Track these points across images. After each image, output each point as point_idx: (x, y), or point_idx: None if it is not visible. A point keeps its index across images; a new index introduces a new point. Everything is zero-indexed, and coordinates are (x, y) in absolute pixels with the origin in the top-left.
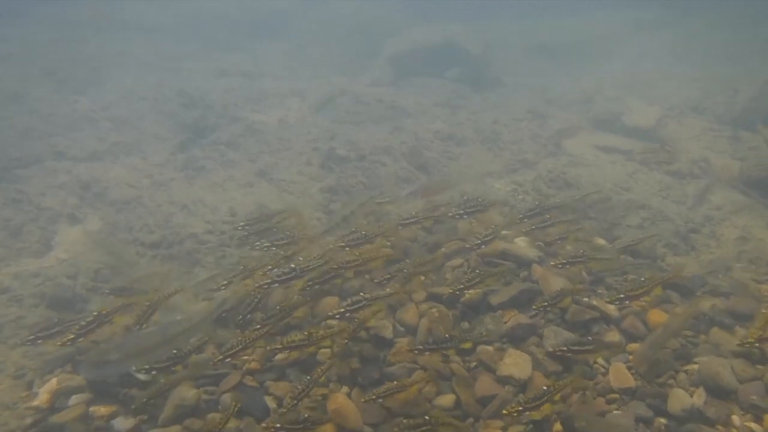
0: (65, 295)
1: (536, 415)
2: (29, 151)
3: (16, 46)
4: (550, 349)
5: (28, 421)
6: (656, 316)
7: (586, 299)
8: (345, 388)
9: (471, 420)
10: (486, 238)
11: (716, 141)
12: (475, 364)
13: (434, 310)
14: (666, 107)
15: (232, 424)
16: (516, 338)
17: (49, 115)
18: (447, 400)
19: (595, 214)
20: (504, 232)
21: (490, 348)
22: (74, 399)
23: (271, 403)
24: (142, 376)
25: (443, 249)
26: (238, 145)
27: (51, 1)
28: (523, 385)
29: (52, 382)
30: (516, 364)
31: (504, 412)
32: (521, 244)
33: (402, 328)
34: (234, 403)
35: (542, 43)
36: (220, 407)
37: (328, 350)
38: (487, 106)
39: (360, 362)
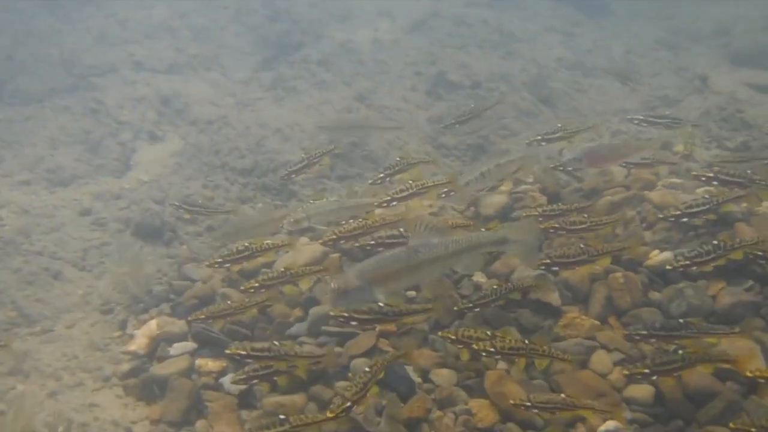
0: (153, 223)
1: None
2: (105, 59)
3: None
4: None
5: (125, 367)
6: None
7: None
8: (502, 364)
9: (680, 422)
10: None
11: None
12: (674, 347)
13: (619, 274)
14: None
15: (373, 399)
16: (732, 320)
17: (125, 20)
18: (643, 392)
19: None
20: (674, 179)
21: None
22: (177, 348)
23: (415, 377)
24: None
25: (607, 196)
26: (330, 65)
27: None
28: (752, 384)
29: (151, 326)
30: (740, 350)
31: (732, 426)
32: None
33: (568, 294)
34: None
35: None
36: (350, 374)
37: (473, 313)
38: (606, 35)
39: (520, 332)
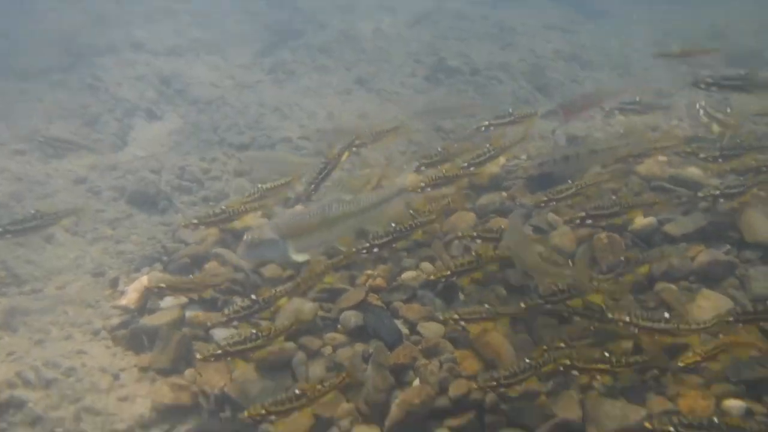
0: (149, 191)
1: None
2: (104, 40)
3: None
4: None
5: (115, 321)
6: None
7: None
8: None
9: (655, 372)
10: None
11: None
12: (653, 304)
13: (603, 235)
14: None
15: (359, 347)
16: (709, 278)
17: (123, 1)
18: (625, 346)
19: None
20: (663, 158)
21: (673, 286)
22: (168, 301)
23: (402, 328)
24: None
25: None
26: (331, 51)
27: None
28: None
29: (142, 281)
30: (715, 308)
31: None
32: (695, 171)
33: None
34: None
35: None
36: (339, 327)
37: None
38: (604, 34)
39: (506, 290)
